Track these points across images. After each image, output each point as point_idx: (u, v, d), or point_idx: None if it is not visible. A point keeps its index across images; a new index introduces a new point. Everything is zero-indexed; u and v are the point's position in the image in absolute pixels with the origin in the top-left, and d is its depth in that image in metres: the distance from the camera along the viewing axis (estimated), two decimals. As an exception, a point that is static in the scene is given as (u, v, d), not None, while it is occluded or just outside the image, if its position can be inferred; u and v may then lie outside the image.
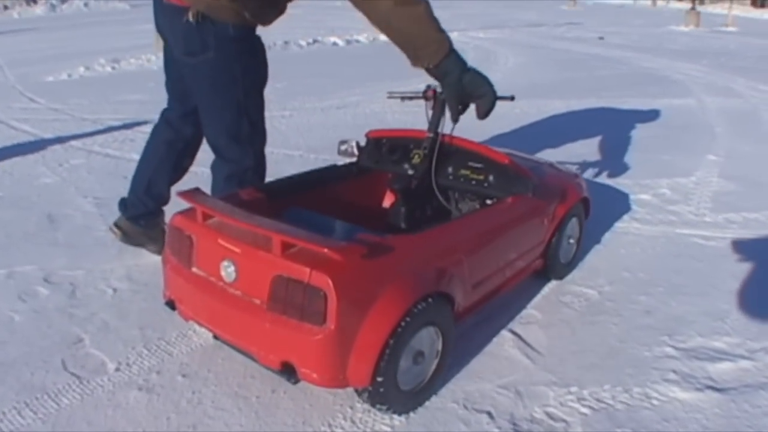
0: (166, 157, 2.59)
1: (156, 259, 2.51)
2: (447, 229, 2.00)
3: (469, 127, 2.36)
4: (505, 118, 5.12)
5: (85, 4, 21.53)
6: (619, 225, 3.19)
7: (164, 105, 2.59)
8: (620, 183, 3.79)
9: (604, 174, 3.92)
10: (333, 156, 2.59)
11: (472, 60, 2.19)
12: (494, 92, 2.08)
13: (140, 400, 1.84)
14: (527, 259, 2.33)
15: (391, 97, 2.47)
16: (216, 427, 1.74)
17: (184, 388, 1.90)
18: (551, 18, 18.39)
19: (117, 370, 1.98)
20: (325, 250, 1.54)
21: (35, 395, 1.85)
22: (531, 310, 2.37)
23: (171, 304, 1.93)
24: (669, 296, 2.49)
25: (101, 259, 2.71)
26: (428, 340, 1.81)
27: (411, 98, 2.43)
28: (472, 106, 2.12)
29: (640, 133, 5.02)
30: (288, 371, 1.63)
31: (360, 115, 5.52)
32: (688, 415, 1.82)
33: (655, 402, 1.87)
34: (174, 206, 2.06)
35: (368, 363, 1.62)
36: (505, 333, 2.22)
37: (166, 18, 2.23)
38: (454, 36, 2.13)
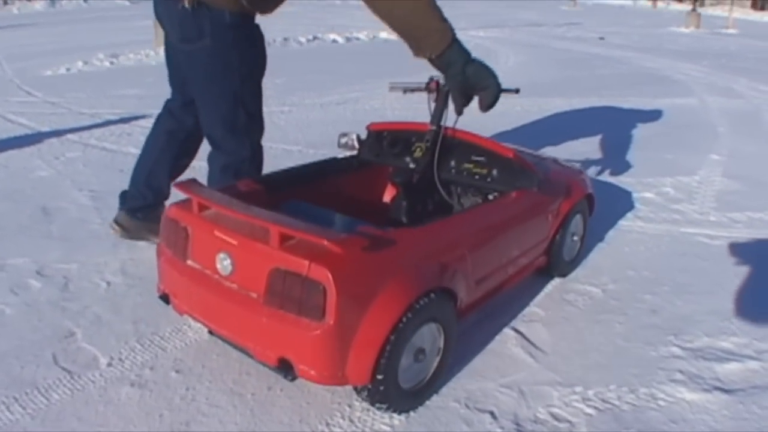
0: (167, 147, 2.56)
1: (152, 252, 2.47)
2: (450, 222, 1.95)
3: (469, 124, 2.31)
4: (506, 116, 5.08)
5: (85, 0, 21.45)
6: (622, 223, 3.15)
7: (163, 100, 2.57)
8: (623, 181, 3.75)
9: (607, 172, 3.88)
10: (332, 151, 2.55)
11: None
12: (498, 84, 2.04)
13: (132, 396, 1.79)
14: (531, 255, 2.28)
15: (393, 89, 2.42)
16: (210, 425, 1.69)
17: (177, 384, 1.85)
18: (551, 18, 18.36)
19: (109, 365, 1.93)
20: (325, 242, 1.48)
21: (25, 390, 1.80)
22: (534, 308, 2.33)
23: (165, 298, 1.88)
24: (675, 295, 2.45)
25: (95, 252, 2.66)
26: (430, 337, 1.76)
27: (413, 90, 2.38)
28: (476, 99, 2.07)
29: (642, 131, 4.99)
30: (285, 368, 1.57)
31: (360, 111, 5.47)
32: (696, 416, 1.77)
33: (661, 403, 1.83)
34: (174, 200, 2.01)
35: (368, 360, 1.57)
36: (507, 331, 2.17)
37: (163, 4, 2.20)
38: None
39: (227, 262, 1.65)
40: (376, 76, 7.12)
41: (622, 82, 7.32)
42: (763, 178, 3.87)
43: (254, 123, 2.30)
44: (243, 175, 2.22)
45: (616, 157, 4.24)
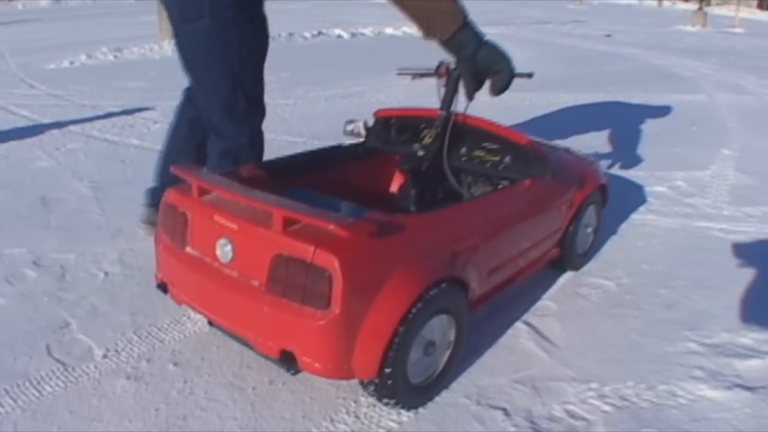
0: (189, 136, 2.52)
1: (151, 243, 2.40)
2: (462, 209, 1.87)
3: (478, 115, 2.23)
4: (514, 110, 4.99)
5: (90, -3, 21.43)
6: (635, 216, 3.07)
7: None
8: (634, 174, 3.67)
9: (617, 165, 3.81)
10: (337, 143, 2.47)
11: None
12: (512, 68, 1.96)
13: (128, 389, 1.72)
14: (544, 246, 2.20)
15: (401, 74, 2.34)
16: (208, 420, 1.62)
17: (175, 377, 1.78)
18: (557, 16, 18.26)
19: (104, 357, 1.87)
20: (331, 226, 1.40)
21: (16, 382, 1.74)
22: (546, 302, 2.25)
23: (163, 287, 1.81)
24: (690, 290, 2.37)
25: (94, 243, 2.59)
26: (440, 329, 1.68)
27: (422, 75, 2.29)
28: (487, 83, 1.99)
29: (651, 126, 4.90)
30: (287, 360, 1.49)
31: (365, 104, 5.39)
32: (718, 415, 1.69)
33: (682, 400, 1.74)
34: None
35: (375, 352, 1.49)
36: (519, 325, 2.09)
37: (164, -16, 2.12)
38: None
39: (228, 248, 1.58)
40: (382, 70, 7.03)
41: (629, 79, 7.23)
42: (777, 174, 3.79)
43: (254, 108, 2.23)
44: (242, 161, 2.15)
45: (626, 151, 4.16)
